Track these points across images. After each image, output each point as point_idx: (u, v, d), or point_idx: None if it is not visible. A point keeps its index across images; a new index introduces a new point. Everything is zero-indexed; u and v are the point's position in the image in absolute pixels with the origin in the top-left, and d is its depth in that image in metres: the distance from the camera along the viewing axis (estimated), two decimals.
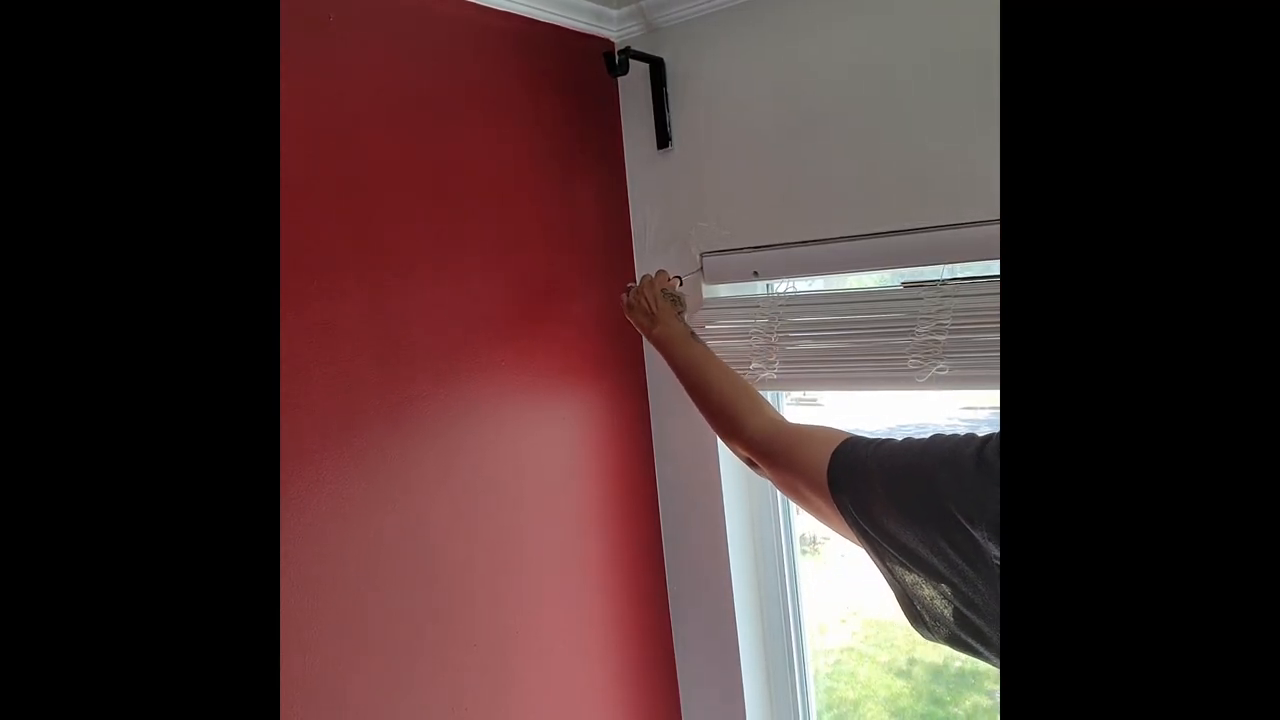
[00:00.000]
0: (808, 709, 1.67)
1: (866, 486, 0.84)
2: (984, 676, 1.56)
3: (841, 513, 0.86)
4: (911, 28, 1.28)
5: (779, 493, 1.64)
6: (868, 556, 0.86)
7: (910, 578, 0.81)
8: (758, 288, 1.58)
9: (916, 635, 0.84)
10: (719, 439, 1.15)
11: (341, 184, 1.14)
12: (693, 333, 1.30)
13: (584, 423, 1.54)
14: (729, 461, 1.61)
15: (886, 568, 0.83)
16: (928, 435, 0.85)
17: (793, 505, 1.65)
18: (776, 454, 1.00)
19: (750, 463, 1.08)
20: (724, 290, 1.58)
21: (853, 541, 0.87)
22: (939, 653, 1.62)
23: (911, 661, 1.67)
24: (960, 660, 1.58)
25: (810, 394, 1.68)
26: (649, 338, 1.34)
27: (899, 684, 1.69)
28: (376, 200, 1.19)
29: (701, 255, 1.55)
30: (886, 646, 1.80)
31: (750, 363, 1.45)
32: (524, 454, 1.41)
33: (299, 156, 1.08)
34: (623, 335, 1.63)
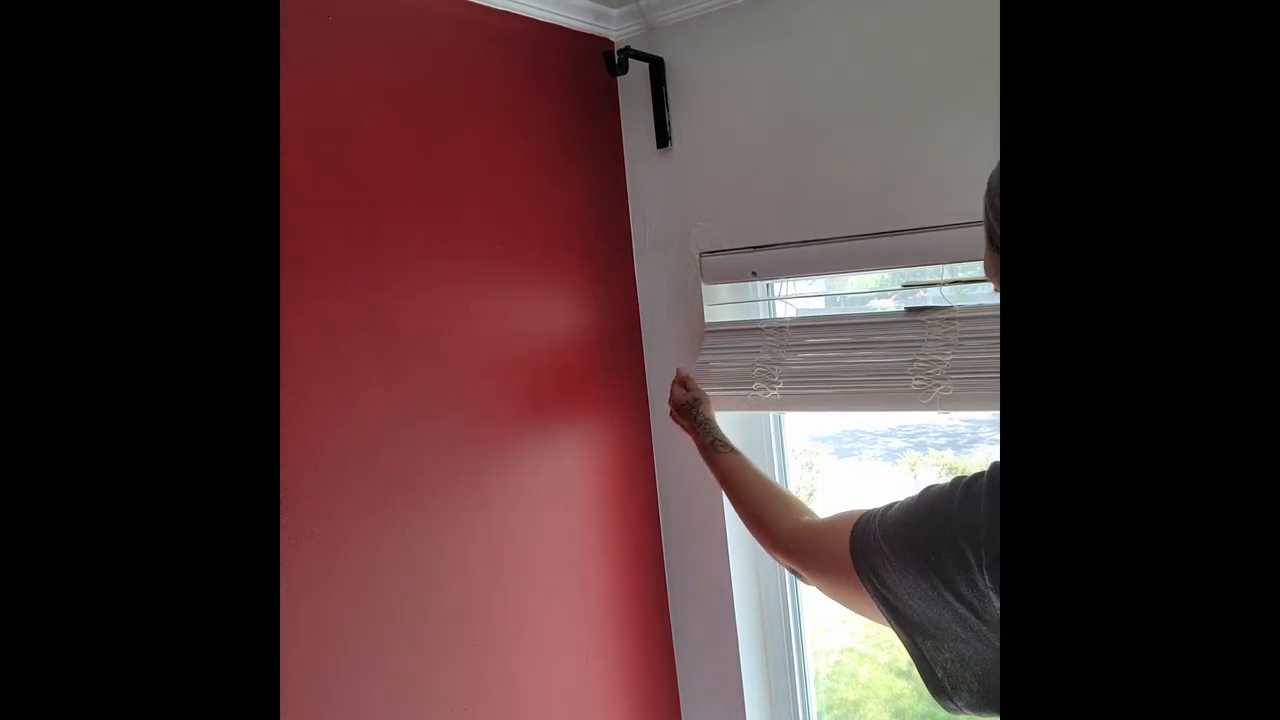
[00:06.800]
0: (808, 709, 1.67)
1: (877, 552, 0.82)
2: None
3: (867, 589, 0.83)
4: (911, 27, 1.28)
5: None
6: (897, 637, 0.83)
7: (928, 643, 0.78)
8: (759, 310, 1.57)
9: None
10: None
11: (341, 183, 1.14)
12: (714, 440, 1.27)
13: (584, 425, 1.54)
14: None
15: (907, 636, 0.80)
16: (920, 490, 0.83)
17: None
18: (805, 554, 0.97)
19: (795, 573, 1.04)
20: (724, 290, 1.58)
21: (889, 624, 0.83)
22: None
23: (912, 662, 1.66)
24: None
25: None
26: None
27: (899, 684, 1.68)
28: (376, 200, 1.19)
29: (700, 255, 1.55)
30: (886, 647, 1.79)
31: (753, 384, 1.44)
32: (524, 456, 1.41)
33: (299, 156, 1.08)
34: (623, 339, 1.63)
